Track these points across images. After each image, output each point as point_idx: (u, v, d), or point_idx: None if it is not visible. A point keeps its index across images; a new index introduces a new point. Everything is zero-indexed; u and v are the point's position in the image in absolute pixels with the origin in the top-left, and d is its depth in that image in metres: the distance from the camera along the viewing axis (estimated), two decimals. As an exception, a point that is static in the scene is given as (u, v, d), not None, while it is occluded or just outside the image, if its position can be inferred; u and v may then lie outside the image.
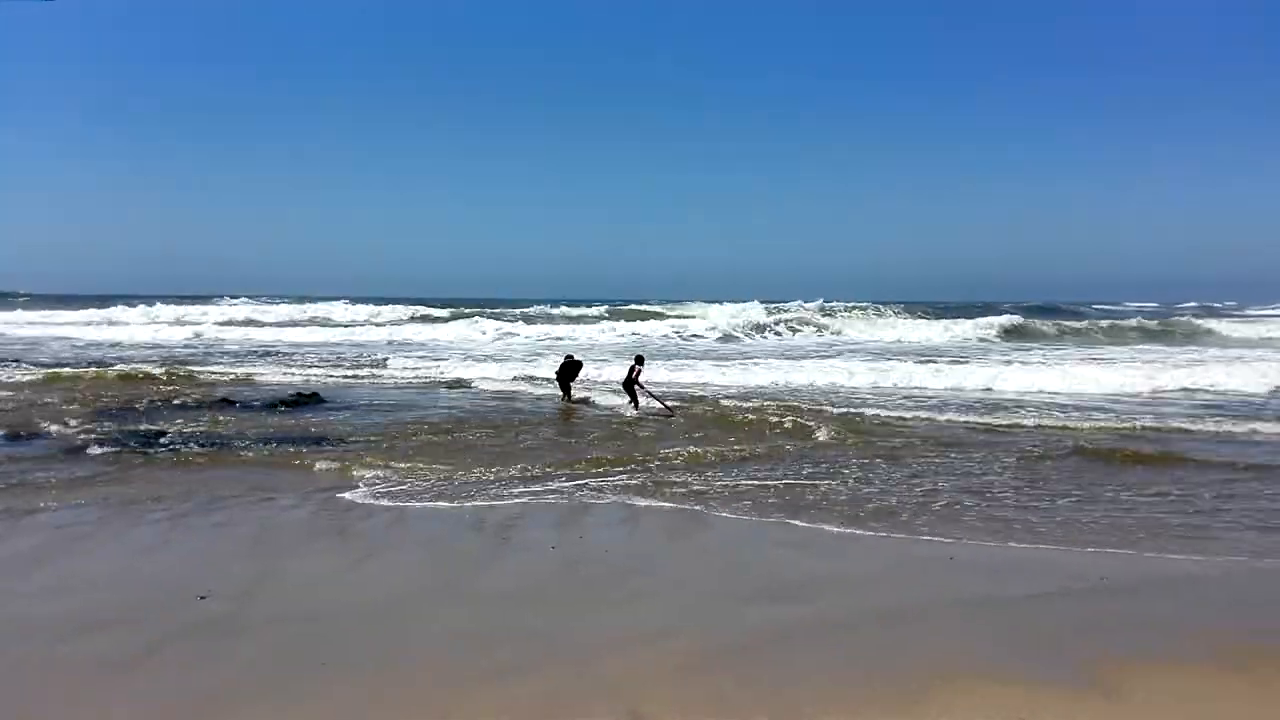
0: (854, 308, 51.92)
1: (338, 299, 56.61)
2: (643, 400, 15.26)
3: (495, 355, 28.78)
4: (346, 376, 21.54)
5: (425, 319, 47.59)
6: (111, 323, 44.35)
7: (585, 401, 16.52)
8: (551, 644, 5.17)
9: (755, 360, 26.39)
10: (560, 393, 16.43)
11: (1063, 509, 8.64)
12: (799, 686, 4.58)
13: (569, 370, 16.47)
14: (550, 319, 49.10)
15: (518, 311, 51.36)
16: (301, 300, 56.45)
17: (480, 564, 6.91)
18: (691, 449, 11.77)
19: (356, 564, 6.83)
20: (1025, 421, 14.23)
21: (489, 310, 51.67)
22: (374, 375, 22.14)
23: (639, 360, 15.62)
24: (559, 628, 5.47)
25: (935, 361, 24.58)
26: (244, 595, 6.06)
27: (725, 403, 16.22)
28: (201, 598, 5.95)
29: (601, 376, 20.19)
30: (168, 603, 5.89)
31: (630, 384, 15.31)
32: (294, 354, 28.95)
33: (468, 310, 51.99)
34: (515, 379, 20.61)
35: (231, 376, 21.05)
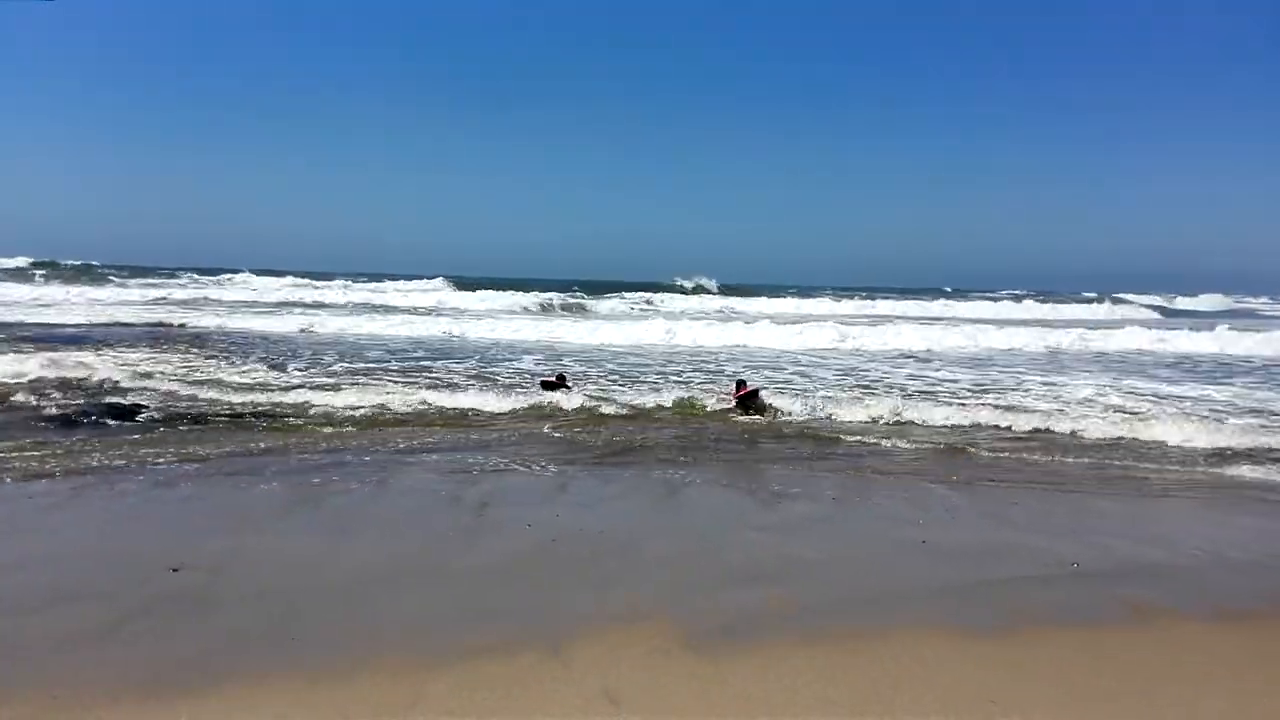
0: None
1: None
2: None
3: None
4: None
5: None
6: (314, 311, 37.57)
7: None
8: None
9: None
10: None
11: None
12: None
13: (556, 385, 17.28)
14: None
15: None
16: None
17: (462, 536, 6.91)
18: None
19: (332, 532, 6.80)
20: None
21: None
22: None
23: (740, 384, 15.45)
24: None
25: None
26: (216, 568, 6.02)
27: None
28: (174, 570, 5.90)
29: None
30: (138, 575, 5.85)
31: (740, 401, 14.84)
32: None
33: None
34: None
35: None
